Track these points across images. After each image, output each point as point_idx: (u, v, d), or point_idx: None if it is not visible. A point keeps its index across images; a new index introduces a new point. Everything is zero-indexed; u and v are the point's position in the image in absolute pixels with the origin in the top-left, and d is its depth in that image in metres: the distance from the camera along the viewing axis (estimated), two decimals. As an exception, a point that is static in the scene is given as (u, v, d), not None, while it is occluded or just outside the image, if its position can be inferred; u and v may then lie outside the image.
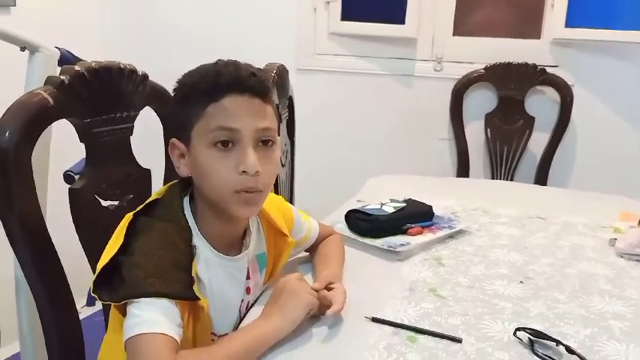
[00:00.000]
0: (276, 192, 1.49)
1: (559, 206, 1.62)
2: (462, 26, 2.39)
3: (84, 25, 2.37)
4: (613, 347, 0.87)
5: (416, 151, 2.40)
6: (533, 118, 2.28)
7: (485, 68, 2.29)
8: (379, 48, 2.39)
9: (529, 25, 2.37)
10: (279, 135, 0.89)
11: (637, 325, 0.95)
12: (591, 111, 2.26)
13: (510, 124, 2.29)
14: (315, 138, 2.40)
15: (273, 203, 1.00)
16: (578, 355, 0.80)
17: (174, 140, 0.87)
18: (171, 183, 0.90)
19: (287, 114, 1.61)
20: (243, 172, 0.81)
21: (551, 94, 2.27)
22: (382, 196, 1.41)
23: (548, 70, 2.25)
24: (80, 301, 1.29)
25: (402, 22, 2.31)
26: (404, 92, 2.39)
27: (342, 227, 1.30)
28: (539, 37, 2.32)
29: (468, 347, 0.86)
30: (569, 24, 2.20)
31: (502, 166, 2.31)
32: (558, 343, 0.83)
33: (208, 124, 0.82)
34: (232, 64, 0.84)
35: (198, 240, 0.85)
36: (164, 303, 0.75)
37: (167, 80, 1.27)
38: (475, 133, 2.34)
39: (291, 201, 1.72)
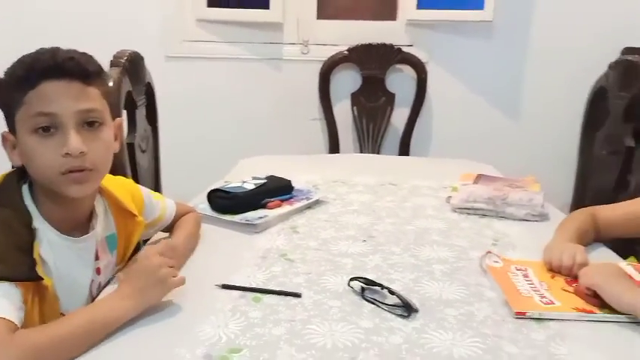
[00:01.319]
0: (138, 178, 1.51)
1: (411, 173, 1.77)
2: (326, 10, 2.51)
3: None
4: (431, 286, 1.01)
5: (289, 132, 2.49)
6: (394, 94, 2.45)
7: (349, 49, 2.42)
8: (247, 33, 2.44)
9: (386, 8, 2.53)
10: (115, 117, 0.93)
11: (456, 267, 1.10)
12: (444, 85, 2.47)
13: (374, 102, 2.45)
14: (188, 124, 2.42)
15: (121, 185, 1.03)
16: (397, 295, 0.92)
17: (4, 132, 0.89)
18: (7, 171, 0.91)
19: (144, 100, 1.62)
20: (67, 154, 0.83)
21: (409, 71, 2.45)
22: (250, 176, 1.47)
23: (404, 49, 2.42)
24: None
25: (266, 6, 2.37)
26: (274, 76, 2.47)
27: (204, 207, 1.35)
28: (395, 19, 2.49)
29: (306, 300, 0.95)
30: (420, 6, 2.38)
31: (369, 141, 2.47)
32: (383, 287, 0.95)
33: (28, 111, 0.84)
34: (50, 50, 0.87)
35: (39, 223, 0.87)
36: (4, 286, 0.77)
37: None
38: (343, 111, 2.47)
39: (156, 186, 1.74)
